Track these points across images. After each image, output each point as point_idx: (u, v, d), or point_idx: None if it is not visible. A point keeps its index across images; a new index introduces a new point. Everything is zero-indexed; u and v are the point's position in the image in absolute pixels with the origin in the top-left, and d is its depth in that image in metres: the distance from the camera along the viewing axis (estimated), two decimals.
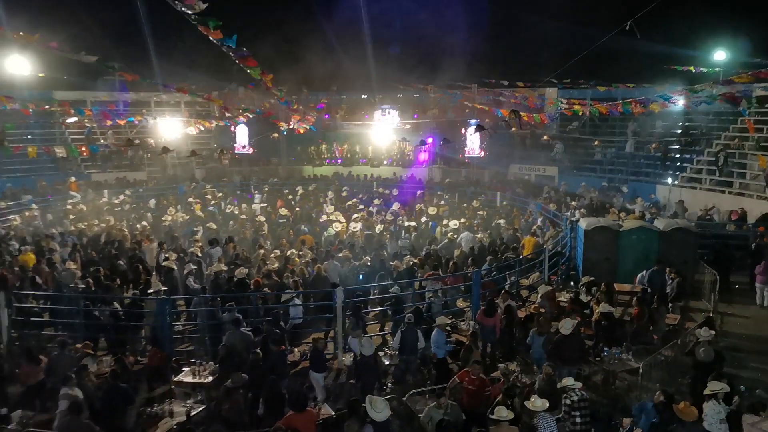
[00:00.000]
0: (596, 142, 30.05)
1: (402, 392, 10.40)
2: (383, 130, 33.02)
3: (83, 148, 28.28)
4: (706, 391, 8.69)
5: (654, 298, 13.07)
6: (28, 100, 26.45)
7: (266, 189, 29.08)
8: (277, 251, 17.75)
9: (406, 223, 21.50)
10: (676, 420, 8.39)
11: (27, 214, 22.64)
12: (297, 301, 13.34)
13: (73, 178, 28.31)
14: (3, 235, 19.36)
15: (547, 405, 8.47)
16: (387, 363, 11.66)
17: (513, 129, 30.55)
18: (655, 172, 26.63)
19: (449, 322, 12.62)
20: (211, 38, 16.21)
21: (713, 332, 10.78)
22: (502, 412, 8.27)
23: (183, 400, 9.92)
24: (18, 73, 21.65)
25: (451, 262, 16.23)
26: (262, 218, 22.60)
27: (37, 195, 25.79)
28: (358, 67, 31.30)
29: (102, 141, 31.93)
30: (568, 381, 8.96)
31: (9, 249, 17.70)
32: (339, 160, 35.65)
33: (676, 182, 24.88)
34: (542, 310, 12.93)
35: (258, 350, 10.52)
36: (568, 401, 8.76)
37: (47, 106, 27.16)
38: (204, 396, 10.25)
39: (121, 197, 26.59)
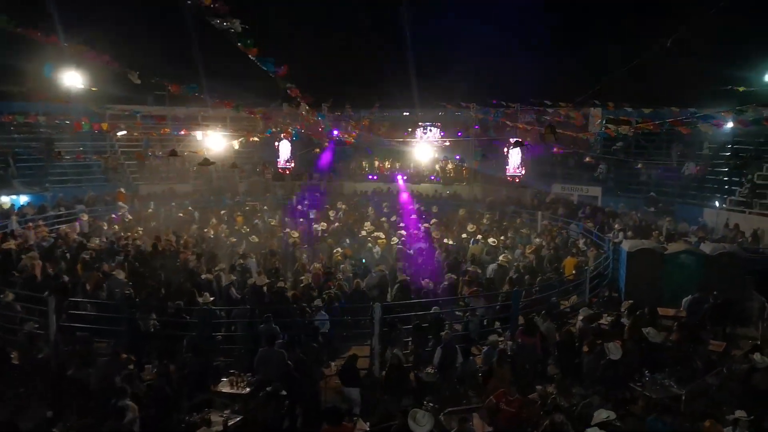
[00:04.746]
0: (640, 166, 29.44)
1: (438, 410, 10.33)
2: (424, 148, 33.11)
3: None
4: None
5: (696, 323, 12.77)
6: (82, 113, 27.48)
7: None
8: (317, 265, 17.89)
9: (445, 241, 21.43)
10: None
11: (77, 224, 23.38)
12: (323, 314, 13.28)
13: (122, 189, 29.15)
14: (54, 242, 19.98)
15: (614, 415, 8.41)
16: (425, 380, 11.63)
17: (555, 149, 30.25)
18: (702, 194, 26.02)
19: (500, 340, 12.57)
20: (249, 56, 16.47)
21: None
22: None
23: (220, 410, 10.05)
24: (72, 86, 22.59)
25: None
26: (295, 234, 22.31)
27: (88, 205, 26.60)
28: (401, 85, 31.56)
29: (150, 153, 32.85)
30: (602, 414, 8.62)
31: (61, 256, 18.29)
32: (372, 176, 35.97)
33: (724, 205, 24.23)
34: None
35: (289, 362, 10.63)
36: None
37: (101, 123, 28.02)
38: (241, 407, 10.38)
39: (188, 208, 27.50)
